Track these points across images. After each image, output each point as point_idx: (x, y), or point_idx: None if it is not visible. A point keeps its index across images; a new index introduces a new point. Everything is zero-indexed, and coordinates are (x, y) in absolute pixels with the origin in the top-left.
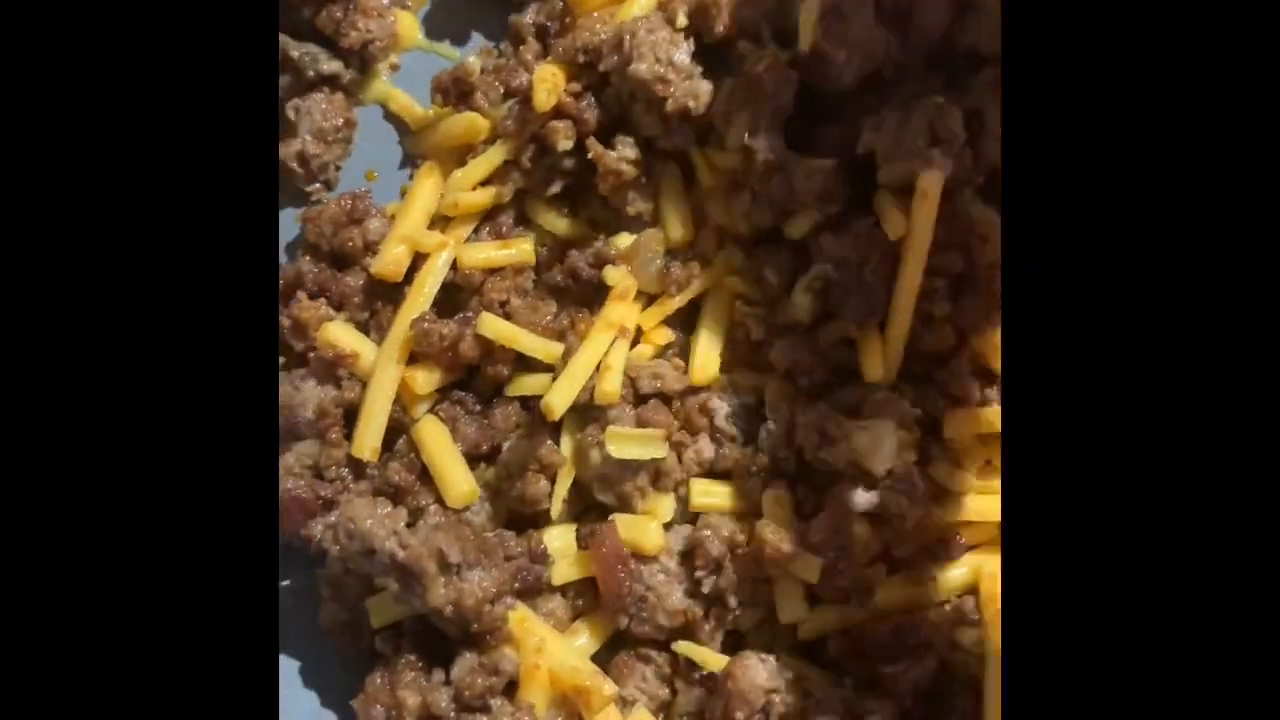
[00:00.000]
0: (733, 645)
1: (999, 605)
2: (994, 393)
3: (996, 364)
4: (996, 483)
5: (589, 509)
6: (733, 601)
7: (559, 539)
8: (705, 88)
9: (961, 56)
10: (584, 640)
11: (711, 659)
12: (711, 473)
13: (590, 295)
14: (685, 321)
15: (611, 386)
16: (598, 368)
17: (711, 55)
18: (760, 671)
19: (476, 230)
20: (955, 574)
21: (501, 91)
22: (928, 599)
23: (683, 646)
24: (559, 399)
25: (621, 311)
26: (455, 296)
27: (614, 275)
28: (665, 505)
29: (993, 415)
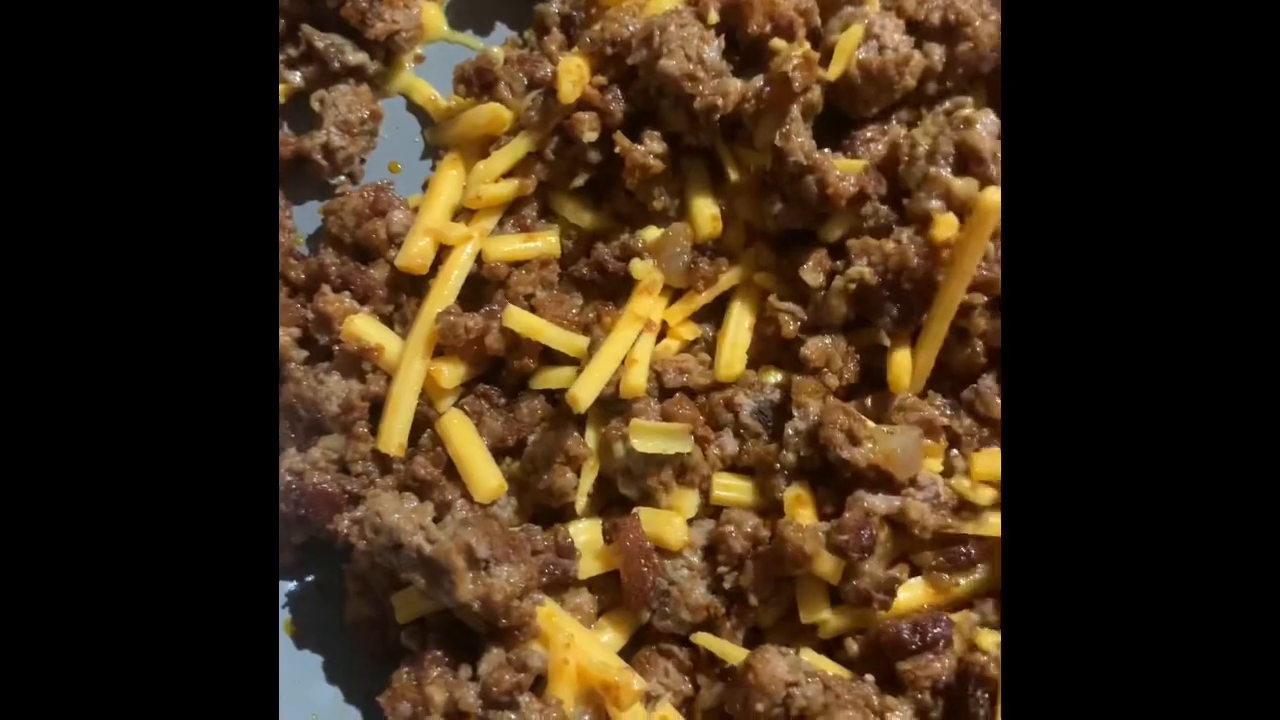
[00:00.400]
0: (754, 642)
1: None
2: None
3: None
4: None
5: (613, 503)
6: (754, 599)
7: (585, 533)
8: (734, 86)
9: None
10: (610, 636)
11: (733, 651)
12: (734, 468)
13: (616, 289)
14: (711, 317)
15: (637, 380)
16: (623, 361)
17: (744, 52)
18: (780, 664)
19: (500, 223)
20: (976, 576)
21: (525, 82)
22: (948, 601)
23: (703, 639)
24: (585, 392)
25: (647, 305)
26: (480, 289)
27: (641, 269)
28: (689, 500)
29: None
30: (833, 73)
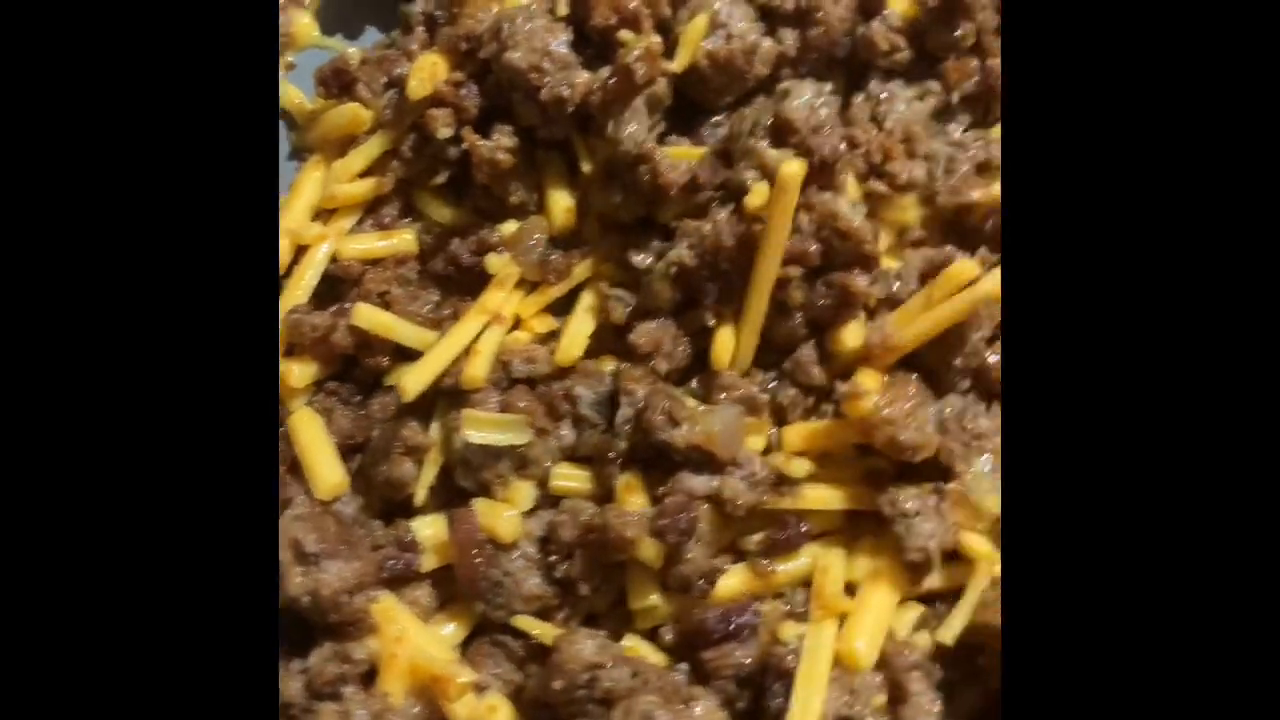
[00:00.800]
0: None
1: (828, 603)
2: (843, 385)
3: (844, 353)
4: (837, 471)
5: (459, 496)
6: (584, 588)
7: (429, 527)
8: (582, 78)
9: (863, 58)
10: (451, 629)
11: (546, 631)
12: (575, 458)
13: (474, 284)
14: (568, 310)
15: (475, 370)
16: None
17: (595, 44)
18: (587, 646)
19: (361, 221)
20: (794, 565)
21: (384, 81)
22: (765, 590)
23: (523, 621)
24: (412, 380)
25: (498, 298)
26: (338, 288)
27: (496, 263)
28: (524, 493)
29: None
30: (678, 64)
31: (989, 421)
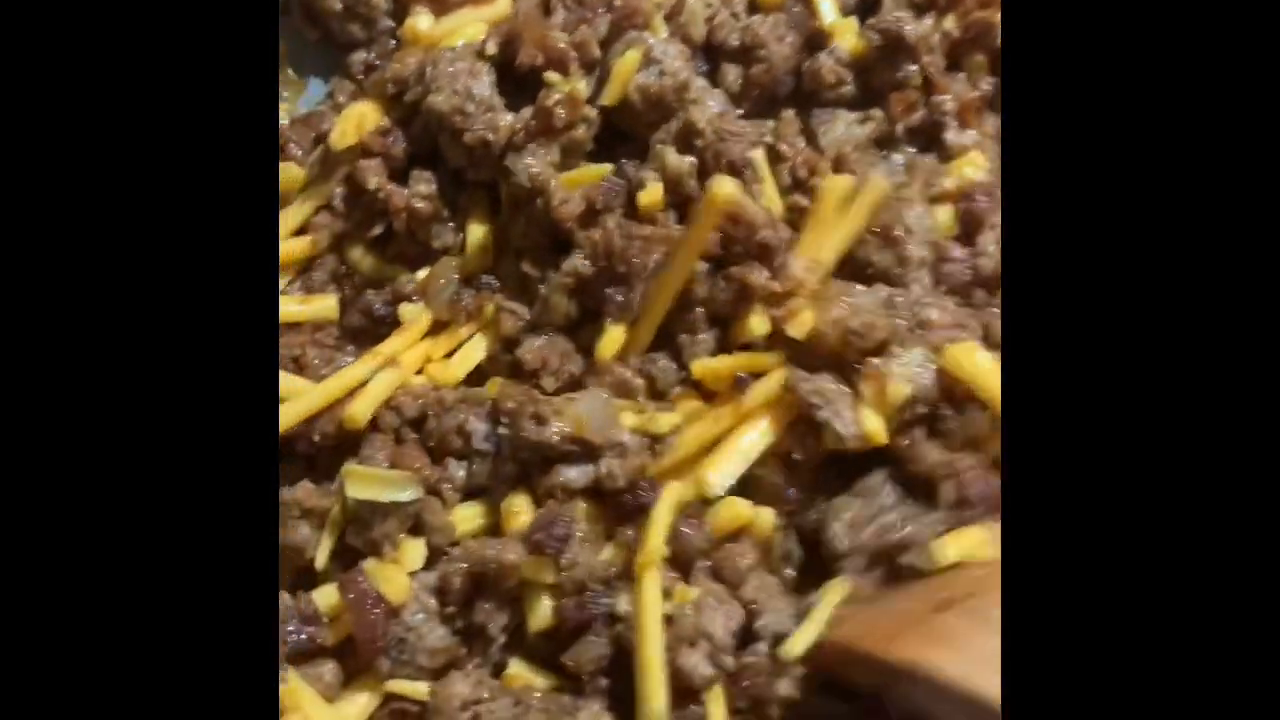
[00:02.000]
0: None
1: (648, 563)
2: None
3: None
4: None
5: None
6: (494, 629)
7: (331, 596)
8: (505, 120)
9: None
10: (364, 698)
11: (417, 690)
12: (472, 493)
13: (387, 335)
14: None
15: (354, 410)
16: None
17: (519, 84)
18: (461, 686)
19: (292, 282)
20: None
21: (312, 138)
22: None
23: (394, 685)
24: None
25: (396, 343)
26: None
27: (408, 311)
28: (414, 552)
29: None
30: (608, 98)
31: (939, 314)
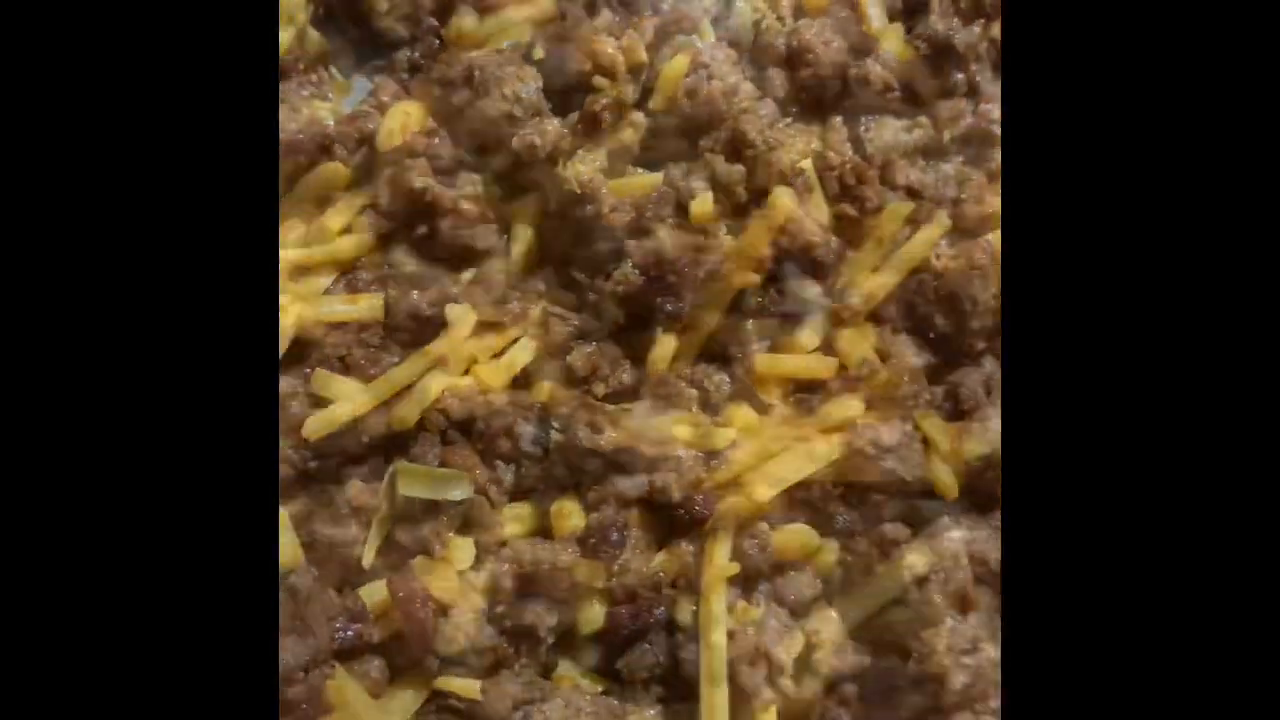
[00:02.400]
0: None
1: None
2: None
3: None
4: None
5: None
6: (543, 630)
7: (379, 593)
8: (552, 125)
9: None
10: (409, 694)
11: (468, 687)
12: (516, 495)
13: (433, 336)
14: None
15: (404, 411)
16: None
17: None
18: (512, 686)
19: (337, 281)
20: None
21: (356, 139)
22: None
23: (443, 682)
24: (317, 422)
25: (445, 345)
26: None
27: (455, 312)
28: (464, 551)
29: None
30: (656, 103)
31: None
